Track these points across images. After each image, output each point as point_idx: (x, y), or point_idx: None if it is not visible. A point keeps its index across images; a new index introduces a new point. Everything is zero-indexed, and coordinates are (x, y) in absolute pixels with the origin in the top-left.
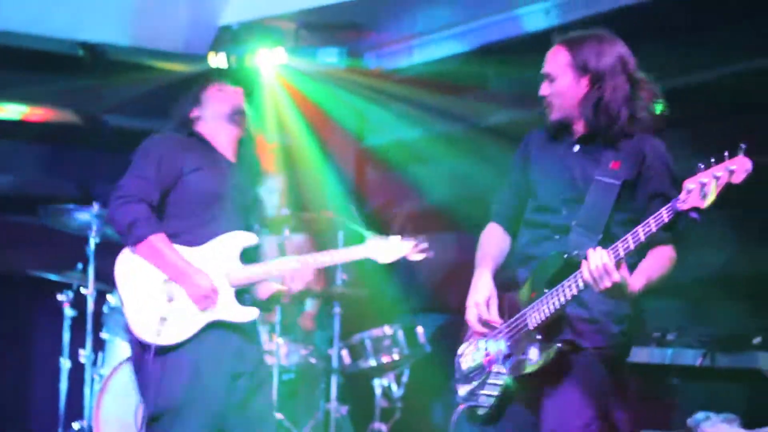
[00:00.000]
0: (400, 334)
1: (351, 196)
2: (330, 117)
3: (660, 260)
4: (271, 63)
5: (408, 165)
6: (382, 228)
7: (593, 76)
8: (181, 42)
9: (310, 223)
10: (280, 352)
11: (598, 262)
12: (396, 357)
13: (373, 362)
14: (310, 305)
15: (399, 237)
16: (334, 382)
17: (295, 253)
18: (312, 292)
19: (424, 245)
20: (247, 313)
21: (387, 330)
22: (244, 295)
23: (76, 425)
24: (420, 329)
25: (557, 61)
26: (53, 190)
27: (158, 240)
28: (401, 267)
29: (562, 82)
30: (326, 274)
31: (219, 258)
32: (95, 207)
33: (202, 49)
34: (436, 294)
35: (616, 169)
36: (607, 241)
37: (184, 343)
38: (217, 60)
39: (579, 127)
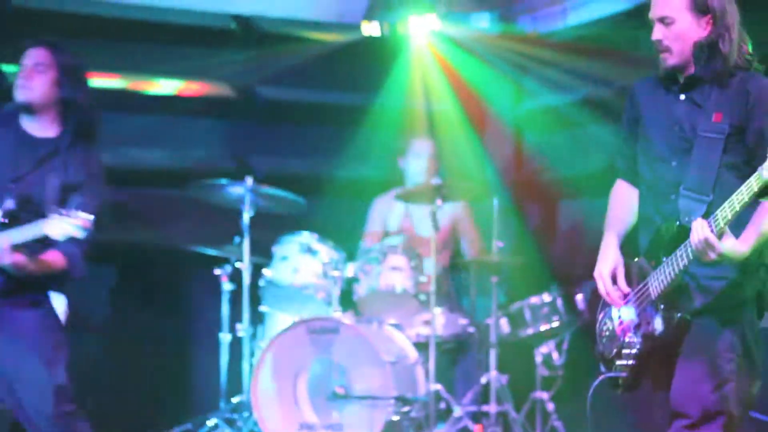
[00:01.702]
0: (560, 301)
1: (499, 165)
2: (479, 84)
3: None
4: (422, 30)
5: (557, 131)
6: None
7: (714, 16)
8: (334, 12)
9: (464, 191)
10: (437, 322)
11: (701, 236)
12: (555, 325)
13: (532, 330)
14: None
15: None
16: (493, 351)
17: (450, 221)
18: (471, 260)
19: (79, 220)
20: None
21: (546, 297)
22: None
23: (235, 399)
24: (579, 296)
25: (672, 2)
26: (209, 164)
27: None
28: (561, 233)
29: (681, 24)
30: (483, 242)
31: None
32: (249, 180)
33: (355, 18)
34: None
35: (718, 122)
36: (718, 200)
37: None
38: (369, 28)
39: (687, 72)
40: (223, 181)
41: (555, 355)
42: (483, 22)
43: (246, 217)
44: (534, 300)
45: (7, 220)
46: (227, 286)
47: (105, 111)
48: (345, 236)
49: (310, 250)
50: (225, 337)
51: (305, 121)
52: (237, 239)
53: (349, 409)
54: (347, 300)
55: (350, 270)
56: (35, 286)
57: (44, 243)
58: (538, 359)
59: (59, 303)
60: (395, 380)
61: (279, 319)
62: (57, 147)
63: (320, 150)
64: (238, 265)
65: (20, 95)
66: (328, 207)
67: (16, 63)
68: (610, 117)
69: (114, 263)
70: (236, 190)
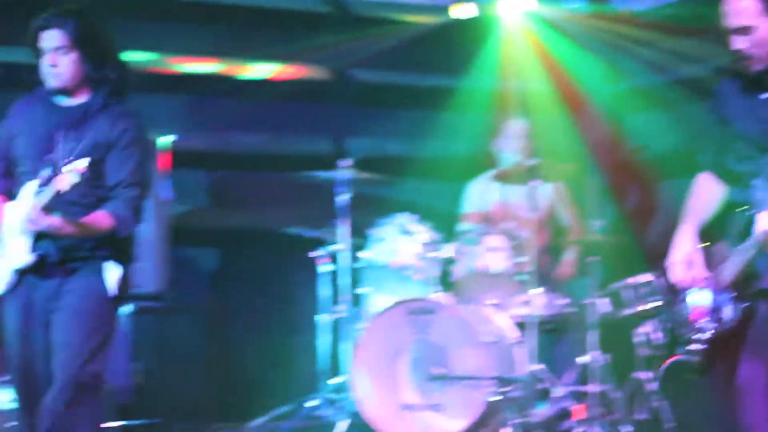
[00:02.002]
0: (659, 281)
1: (593, 145)
2: (572, 65)
3: None
4: (515, 11)
5: (652, 111)
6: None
7: None
8: None
9: (560, 171)
10: (537, 302)
11: (765, 226)
12: (655, 304)
13: (632, 310)
14: (568, 254)
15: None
16: (593, 331)
17: (546, 202)
18: (569, 240)
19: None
20: None
21: (645, 278)
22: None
23: (335, 380)
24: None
25: (746, 11)
26: (306, 147)
27: None
28: (658, 213)
29: (762, 30)
30: (583, 222)
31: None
32: (346, 163)
33: (446, 1)
34: None
35: None
36: None
37: None
38: (459, 10)
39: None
40: (320, 164)
41: (655, 335)
42: (576, 2)
43: (343, 199)
44: (633, 280)
45: (45, 189)
46: (325, 268)
47: (201, 95)
48: (441, 217)
49: (407, 232)
50: (324, 319)
51: (400, 104)
52: (334, 222)
53: (449, 390)
54: (445, 281)
55: (448, 251)
56: (86, 255)
57: (88, 206)
58: (638, 339)
59: (113, 272)
60: (494, 361)
61: (377, 300)
62: (86, 111)
63: (414, 132)
64: (335, 247)
65: (51, 82)
66: (424, 188)
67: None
68: (706, 96)
69: (214, 246)
70: (333, 172)
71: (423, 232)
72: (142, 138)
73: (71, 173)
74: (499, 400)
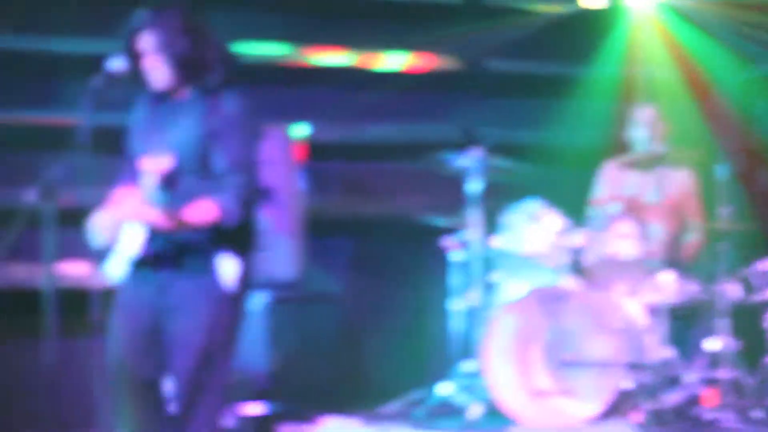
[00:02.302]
0: None
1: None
2: (700, 52)
3: None
4: (645, 1)
5: None
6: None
7: None
8: None
9: (688, 158)
10: (668, 288)
11: None
12: None
13: (763, 296)
14: (692, 237)
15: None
16: (724, 317)
17: (676, 188)
18: (696, 226)
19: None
20: None
21: None
22: None
23: (467, 367)
24: None
25: None
26: (437, 137)
27: None
28: None
29: None
30: (705, 210)
31: None
32: (477, 151)
33: None
34: None
35: None
36: None
37: None
38: (589, 0)
39: None
40: (452, 152)
41: None
42: None
43: (474, 187)
44: (763, 266)
45: (169, 180)
46: (457, 255)
47: (335, 87)
48: (571, 204)
49: (537, 219)
50: (455, 306)
51: (529, 92)
52: (465, 210)
53: (581, 376)
54: (576, 268)
55: (578, 238)
56: (201, 248)
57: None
58: None
59: (230, 266)
60: (625, 347)
61: (508, 287)
62: (188, 104)
63: (543, 120)
64: (466, 235)
65: (152, 84)
66: (554, 176)
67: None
68: None
69: (348, 236)
70: (465, 161)
71: (553, 219)
72: (247, 123)
73: (159, 165)
74: (631, 386)
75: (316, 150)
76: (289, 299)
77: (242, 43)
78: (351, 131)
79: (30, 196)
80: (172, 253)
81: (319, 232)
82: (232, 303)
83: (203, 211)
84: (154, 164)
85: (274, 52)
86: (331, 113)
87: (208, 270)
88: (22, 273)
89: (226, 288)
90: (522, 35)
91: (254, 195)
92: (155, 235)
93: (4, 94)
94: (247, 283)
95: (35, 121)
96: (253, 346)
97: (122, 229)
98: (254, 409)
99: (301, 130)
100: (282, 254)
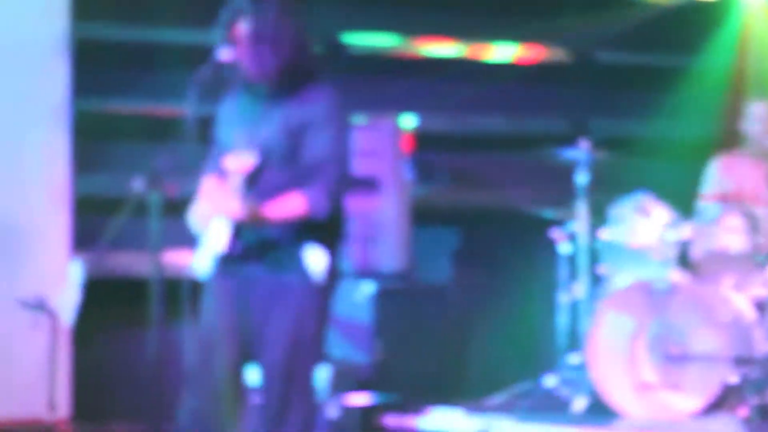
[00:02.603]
0: None
1: None
2: None
3: None
4: None
5: None
6: None
7: None
8: None
9: None
10: None
11: None
12: None
13: None
14: None
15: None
16: None
17: None
18: None
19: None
20: None
21: None
22: None
23: (573, 359)
24: None
25: None
26: (545, 128)
27: None
28: None
29: None
30: None
31: None
32: (586, 143)
33: None
34: None
35: None
36: None
37: None
38: None
39: None
40: (561, 145)
41: None
42: None
43: (582, 179)
44: None
45: (257, 173)
46: (564, 247)
47: (444, 78)
48: (679, 197)
49: (645, 212)
50: (563, 298)
51: (640, 84)
52: (574, 202)
53: (687, 370)
54: (684, 261)
55: (686, 231)
56: (289, 242)
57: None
58: None
59: (318, 259)
60: (732, 341)
61: (615, 280)
62: (280, 95)
63: (654, 112)
64: (574, 227)
65: (246, 73)
66: (663, 168)
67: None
68: None
69: (455, 226)
70: (573, 153)
71: (661, 212)
72: (338, 116)
73: (243, 164)
74: (737, 381)
75: (424, 141)
76: (396, 290)
77: (351, 33)
78: (459, 122)
79: (137, 186)
80: (259, 247)
81: (427, 223)
82: (321, 295)
83: (291, 206)
84: (238, 163)
85: (383, 43)
86: (439, 104)
87: (295, 263)
88: (128, 262)
89: (314, 281)
90: (633, 26)
91: (344, 188)
92: (242, 229)
93: (112, 85)
94: (335, 274)
95: (142, 111)
96: (360, 336)
97: (210, 223)
98: (359, 399)
99: (409, 121)
100: (390, 245)
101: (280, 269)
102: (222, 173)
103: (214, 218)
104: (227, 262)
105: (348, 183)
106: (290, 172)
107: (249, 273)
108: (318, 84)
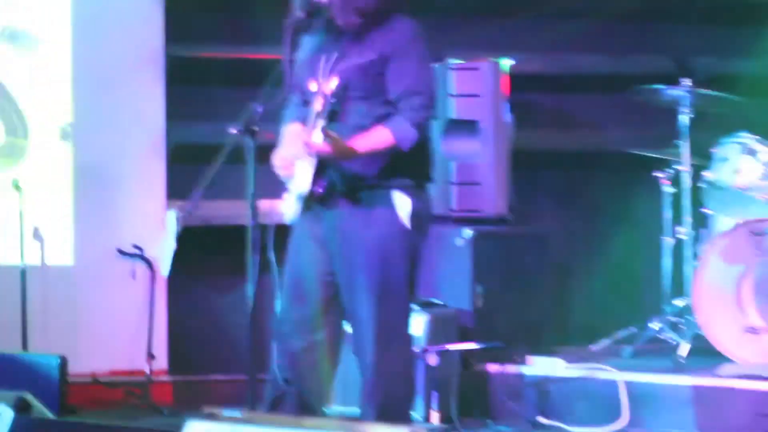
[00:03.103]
0: None
1: None
2: None
3: None
4: None
5: None
6: None
7: None
8: None
9: None
10: None
11: None
12: None
13: None
14: None
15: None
16: None
17: None
18: None
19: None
20: None
21: None
22: None
23: (678, 302)
24: None
25: None
26: (646, 67)
27: None
28: None
29: None
30: None
31: None
32: (689, 82)
33: None
34: None
35: None
36: None
37: None
38: None
39: None
40: (663, 84)
41: None
42: None
43: (685, 119)
44: None
45: (326, 115)
46: (668, 189)
47: (540, 17)
48: None
49: (751, 151)
50: (667, 241)
51: (744, 20)
52: (677, 142)
53: None
54: None
55: None
56: (374, 183)
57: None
58: None
59: (405, 202)
60: None
61: (720, 221)
62: (360, 31)
63: (759, 49)
64: (678, 167)
65: (329, 12)
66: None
67: None
68: None
69: (555, 169)
70: (676, 92)
71: (766, 152)
72: (418, 46)
73: (327, 86)
74: None
75: (523, 82)
76: (496, 234)
77: None
78: (557, 62)
79: (233, 133)
80: (344, 187)
81: (526, 166)
82: (409, 237)
83: (376, 137)
84: (322, 85)
85: None
86: (537, 44)
87: (382, 204)
88: (224, 210)
89: (402, 222)
90: None
91: (429, 120)
92: (326, 168)
93: (206, 31)
94: (423, 215)
95: (235, 56)
96: (458, 282)
97: (294, 166)
98: (459, 346)
99: (507, 62)
100: (489, 189)
101: (365, 210)
102: (304, 115)
103: (298, 161)
104: (313, 202)
105: (433, 114)
106: (373, 105)
107: (334, 215)
108: (397, 17)
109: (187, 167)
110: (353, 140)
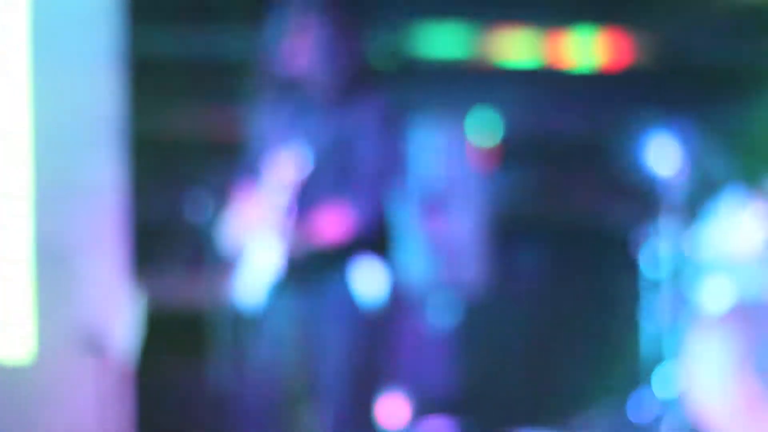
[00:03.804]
0: None
1: None
2: None
3: None
4: None
5: None
6: None
7: None
8: None
9: None
10: None
11: None
12: None
13: None
14: None
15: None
16: None
17: None
18: None
19: None
20: None
21: None
22: None
23: (660, 379)
24: None
25: None
26: (628, 136)
27: None
28: None
29: None
30: None
31: None
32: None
33: None
34: None
35: None
36: None
37: None
38: None
39: None
40: (646, 152)
41: None
42: None
43: (671, 188)
44: None
45: (302, 187)
46: (653, 260)
47: (522, 85)
48: None
49: (742, 216)
50: (651, 314)
51: (729, 84)
52: (662, 212)
53: None
54: None
55: None
56: (337, 257)
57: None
58: None
59: (375, 272)
60: None
61: (712, 292)
62: (331, 103)
63: (742, 108)
64: (664, 238)
65: (295, 69)
66: (757, 167)
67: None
68: None
69: (536, 241)
70: (659, 160)
71: (759, 216)
72: (391, 127)
73: (292, 170)
74: None
75: (504, 150)
76: (478, 305)
77: (423, 35)
78: (540, 131)
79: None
80: (309, 263)
81: (508, 236)
82: (375, 315)
83: (340, 219)
84: (287, 172)
85: (457, 52)
86: (519, 112)
87: (348, 278)
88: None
89: (369, 295)
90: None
91: (393, 200)
92: (290, 245)
93: (169, 100)
94: (390, 287)
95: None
96: (437, 354)
97: (253, 239)
98: (439, 422)
99: (488, 130)
100: (469, 258)
101: (332, 285)
102: (265, 184)
103: (258, 235)
104: (276, 280)
105: (398, 194)
106: (340, 183)
107: (301, 291)
108: (373, 91)
109: (150, 243)
110: (317, 222)
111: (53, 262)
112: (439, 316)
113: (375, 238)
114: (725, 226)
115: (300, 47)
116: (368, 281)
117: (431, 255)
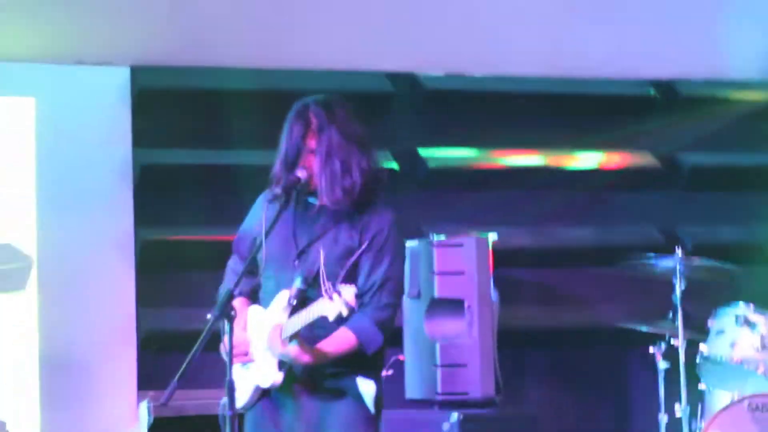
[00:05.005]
0: None
1: None
2: None
3: None
4: None
5: None
6: None
7: None
8: (755, 69)
9: None
10: None
11: None
12: None
13: None
14: None
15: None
16: None
17: None
18: None
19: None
20: None
21: None
22: None
23: None
24: None
25: None
26: (635, 238)
27: None
28: None
29: None
30: None
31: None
32: (679, 252)
33: None
34: None
35: None
36: None
37: None
38: None
39: None
40: (652, 254)
41: None
42: None
43: (678, 290)
44: None
45: (296, 303)
46: (662, 364)
47: (526, 189)
48: None
49: (747, 322)
50: (662, 418)
51: (733, 187)
52: (670, 314)
53: None
54: None
55: None
56: (336, 372)
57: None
58: None
59: (367, 388)
60: None
61: (718, 396)
62: (333, 213)
63: (752, 216)
64: (672, 341)
65: (308, 189)
66: (763, 275)
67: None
68: None
69: (544, 347)
70: (666, 263)
71: (764, 322)
72: (393, 240)
73: (341, 303)
74: None
75: (508, 256)
76: (484, 418)
77: (428, 148)
78: (542, 236)
79: (208, 318)
80: (305, 375)
81: (514, 344)
82: (375, 422)
83: (342, 343)
84: (296, 271)
85: (462, 155)
86: (522, 217)
87: (347, 392)
88: (200, 399)
89: (368, 408)
90: (725, 126)
91: (393, 319)
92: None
93: (176, 211)
94: (380, 406)
95: (208, 239)
96: None
97: (252, 353)
98: None
99: (491, 237)
100: (475, 370)
101: (330, 400)
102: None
103: (257, 351)
104: (274, 393)
105: (396, 313)
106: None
107: (298, 405)
108: (378, 207)
109: (159, 355)
110: (321, 347)
111: (60, 372)
112: (449, 428)
113: (376, 355)
114: (730, 329)
115: (308, 161)
116: (370, 386)
117: (442, 363)
